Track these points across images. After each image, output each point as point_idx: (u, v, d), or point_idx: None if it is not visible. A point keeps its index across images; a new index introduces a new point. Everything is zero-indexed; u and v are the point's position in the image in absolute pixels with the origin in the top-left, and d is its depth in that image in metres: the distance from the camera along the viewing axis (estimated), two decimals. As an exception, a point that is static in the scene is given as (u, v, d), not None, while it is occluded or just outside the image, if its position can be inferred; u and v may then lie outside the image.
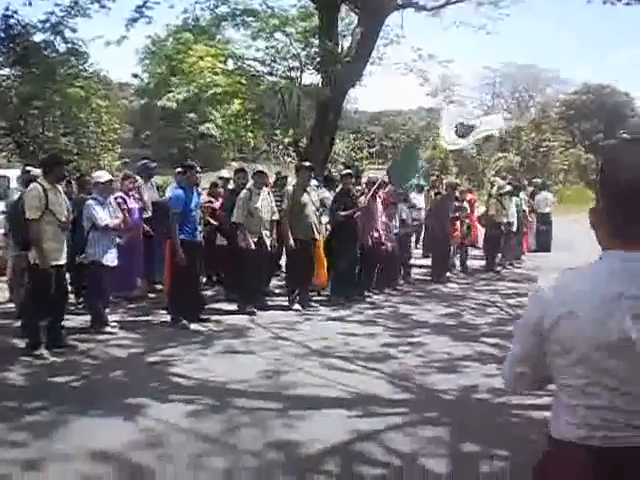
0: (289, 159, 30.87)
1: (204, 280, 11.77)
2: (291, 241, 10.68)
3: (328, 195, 12.02)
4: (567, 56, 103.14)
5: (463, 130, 16.50)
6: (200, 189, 10.76)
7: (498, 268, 15.66)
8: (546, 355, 2.09)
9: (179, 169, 11.76)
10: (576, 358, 2.00)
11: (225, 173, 13.36)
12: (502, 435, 5.74)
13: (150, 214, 11.24)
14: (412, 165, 12.83)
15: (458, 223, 14.65)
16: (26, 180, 9.46)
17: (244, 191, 10.47)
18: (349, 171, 13.00)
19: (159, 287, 11.16)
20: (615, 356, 1.92)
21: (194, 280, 9.84)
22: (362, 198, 11.77)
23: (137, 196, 11.03)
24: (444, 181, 18.57)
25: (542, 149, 41.39)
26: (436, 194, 15.54)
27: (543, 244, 19.41)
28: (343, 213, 11.30)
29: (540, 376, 2.20)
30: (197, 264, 9.81)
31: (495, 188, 16.66)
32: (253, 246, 10.24)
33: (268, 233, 10.64)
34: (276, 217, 10.87)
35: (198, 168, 9.93)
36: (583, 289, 1.99)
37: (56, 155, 9.17)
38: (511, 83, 65.35)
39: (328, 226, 11.51)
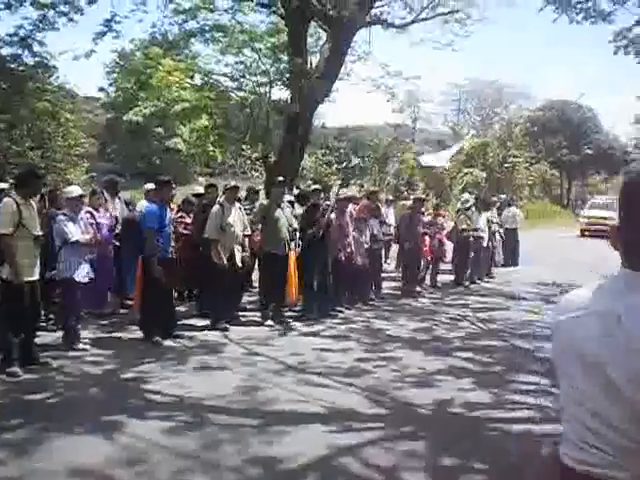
0: (257, 174, 30.86)
1: (175, 296, 11.72)
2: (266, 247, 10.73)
3: (301, 211, 12.06)
4: (531, 73, 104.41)
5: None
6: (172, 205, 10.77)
7: (467, 283, 15.79)
8: None
9: (149, 185, 11.74)
10: (561, 370, 1.99)
11: (200, 189, 13.12)
12: (478, 448, 5.80)
13: (119, 229, 11.19)
14: None
15: (428, 238, 14.74)
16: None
17: (216, 206, 10.45)
18: (318, 187, 13.05)
19: (130, 303, 11.10)
20: (586, 373, 1.87)
21: (166, 296, 9.80)
22: (332, 214, 11.81)
23: (107, 212, 10.99)
24: (411, 196, 18.71)
25: (507, 165, 41.80)
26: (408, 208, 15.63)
27: (511, 259, 19.61)
28: (310, 231, 11.35)
29: None
30: (169, 280, 9.77)
31: (459, 203, 16.88)
32: (226, 262, 10.22)
33: (240, 248, 10.63)
34: (248, 232, 10.88)
35: (173, 184, 9.90)
36: (573, 301, 1.99)
37: (31, 170, 9.09)
38: (476, 99, 65.98)
39: (300, 242, 11.52)
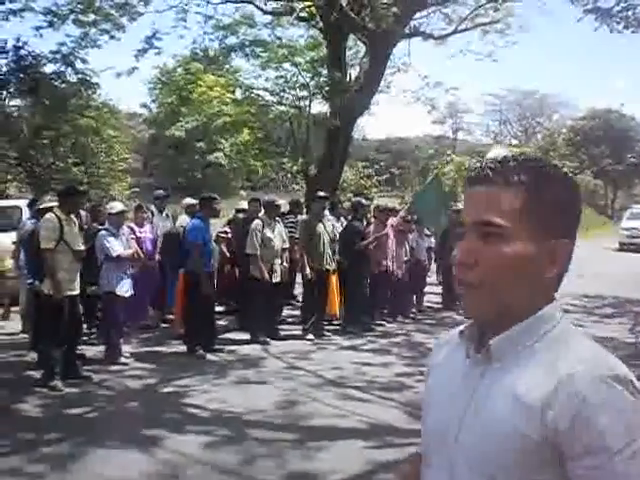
0: (297, 187, 30.96)
1: (222, 309, 11.80)
2: (307, 270, 10.66)
3: (338, 224, 11.97)
4: (571, 81, 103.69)
5: None
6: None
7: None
8: None
9: (188, 200, 11.80)
10: None
11: (244, 204, 12.92)
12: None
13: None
14: (441, 204, 12.77)
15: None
16: (34, 210, 9.51)
17: (257, 221, 10.46)
18: (363, 201, 12.87)
19: (171, 317, 11.15)
20: None
21: (210, 310, 9.84)
22: (386, 228, 11.75)
23: (150, 226, 11.10)
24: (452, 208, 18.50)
25: (550, 175, 41.41)
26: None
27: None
28: (364, 243, 11.31)
29: None
30: (212, 294, 9.84)
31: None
32: (267, 276, 10.24)
33: (279, 262, 10.63)
34: (286, 245, 10.87)
35: (217, 199, 9.90)
36: None
37: (72, 186, 9.20)
38: (517, 109, 65.58)
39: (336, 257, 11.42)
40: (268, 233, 10.34)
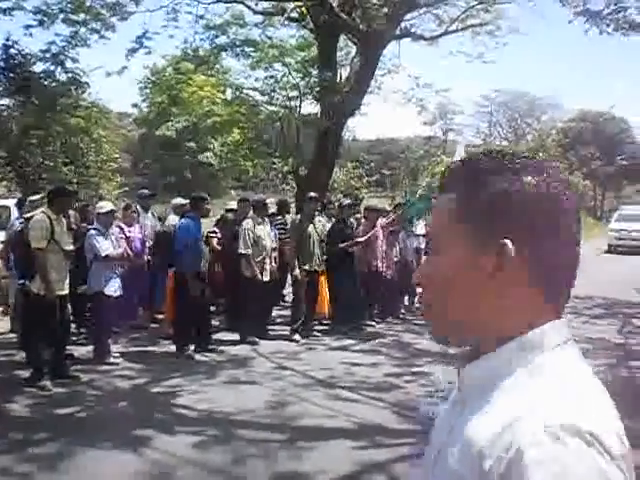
0: (287, 187, 30.92)
1: (212, 309, 11.74)
2: (297, 271, 10.66)
3: (328, 225, 11.94)
4: (562, 83, 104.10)
5: None
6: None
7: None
8: None
9: (178, 200, 11.78)
10: None
11: (233, 204, 12.83)
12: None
13: (150, 243, 11.25)
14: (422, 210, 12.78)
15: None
16: (29, 207, 9.39)
17: (247, 220, 10.44)
18: (349, 202, 12.90)
19: (160, 317, 11.13)
20: None
21: (202, 310, 9.82)
22: (375, 228, 11.77)
23: (138, 226, 11.07)
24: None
25: (540, 176, 41.47)
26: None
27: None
28: (345, 244, 11.31)
29: None
30: (207, 293, 9.85)
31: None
32: (260, 276, 10.24)
33: (269, 261, 10.63)
34: (275, 245, 10.88)
35: (208, 200, 9.92)
36: None
37: (63, 187, 9.18)
38: (507, 111, 65.65)
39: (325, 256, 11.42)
40: (259, 232, 10.34)
